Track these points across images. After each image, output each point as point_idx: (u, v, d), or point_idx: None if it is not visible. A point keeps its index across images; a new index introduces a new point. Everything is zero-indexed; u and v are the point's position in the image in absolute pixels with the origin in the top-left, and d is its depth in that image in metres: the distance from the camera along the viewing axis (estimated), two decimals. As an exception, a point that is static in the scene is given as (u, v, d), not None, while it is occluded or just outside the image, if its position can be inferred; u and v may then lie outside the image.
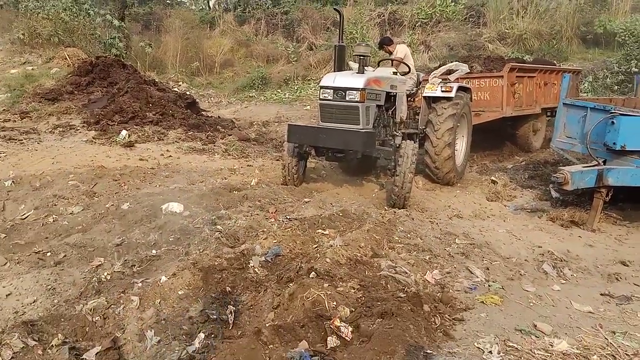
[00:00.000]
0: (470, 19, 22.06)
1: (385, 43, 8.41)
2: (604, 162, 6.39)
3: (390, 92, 7.14)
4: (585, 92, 14.66)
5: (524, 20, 19.93)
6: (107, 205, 5.91)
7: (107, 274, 4.25)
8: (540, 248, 5.44)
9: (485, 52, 17.00)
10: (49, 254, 4.65)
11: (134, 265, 4.43)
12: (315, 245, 4.78)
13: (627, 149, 6.14)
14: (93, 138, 9.03)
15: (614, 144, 6.15)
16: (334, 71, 6.98)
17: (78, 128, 9.63)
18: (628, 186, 6.27)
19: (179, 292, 3.90)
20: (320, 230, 5.17)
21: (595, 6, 19.82)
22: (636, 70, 14.58)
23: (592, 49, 18.82)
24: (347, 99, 6.41)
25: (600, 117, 6.42)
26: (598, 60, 17.35)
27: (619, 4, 19.32)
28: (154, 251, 4.71)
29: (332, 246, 4.64)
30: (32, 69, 13.58)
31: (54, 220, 5.49)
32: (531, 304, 4.12)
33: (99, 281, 4.15)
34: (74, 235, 5.07)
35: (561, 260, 5.11)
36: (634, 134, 6.10)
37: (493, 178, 8.45)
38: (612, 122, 6.17)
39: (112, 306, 3.80)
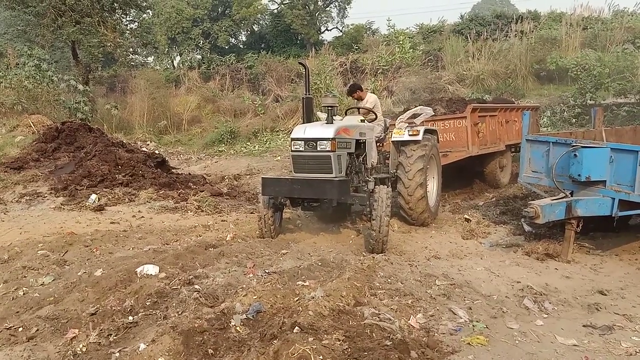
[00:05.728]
0: (429, 63, 22.93)
1: (357, 89, 8.48)
2: (571, 194, 6.55)
3: (360, 140, 7.27)
4: (545, 127, 15.18)
5: (480, 61, 20.82)
6: (79, 274, 5.74)
7: (83, 346, 4.06)
8: (519, 283, 5.48)
9: (446, 94, 17.58)
10: (20, 329, 4.43)
11: (111, 335, 4.26)
12: (297, 298, 4.71)
13: (592, 180, 6.32)
14: (61, 204, 8.84)
15: (579, 175, 6.32)
16: (303, 122, 7.10)
17: (45, 195, 9.42)
18: (597, 216, 6.42)
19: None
20: (300, 282, 5.10)
21: (546, 44, 20.79)
22: (592, 102, 15.20)
23: (547, 85, 19.63)
24: (318, 149, 6.51)
25: (563, 151, 6.63)
26: (554, 96, 18.07)
27: (568, 41, 20.31)
28: (130, 318, 4.54)
29: (313, 298, 4.57)
30: (-4, 138, 13.38)
31: (24, 293, 5.27)
32: (517, 342, 4.11)
33: (74, 354, 3.97)
34: (46, 307, 4.87)
35: (541, 294, 5.15)
36: (597, 165, 6.29)
37: (466, 216, 8.57)
38: (575, 155, 6.37)
39: (90, 380, 3.64)
